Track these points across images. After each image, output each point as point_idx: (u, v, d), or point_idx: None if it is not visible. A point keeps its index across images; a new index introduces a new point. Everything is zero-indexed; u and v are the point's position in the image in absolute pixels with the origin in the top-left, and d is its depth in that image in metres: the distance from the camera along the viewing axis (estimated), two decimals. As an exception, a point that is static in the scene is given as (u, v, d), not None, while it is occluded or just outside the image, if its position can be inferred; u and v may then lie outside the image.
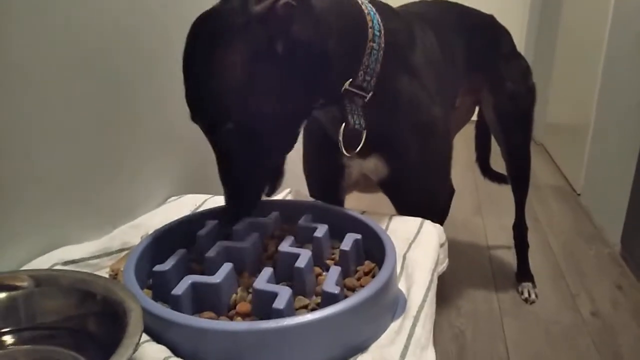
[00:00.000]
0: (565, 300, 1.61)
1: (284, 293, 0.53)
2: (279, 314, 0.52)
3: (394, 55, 0.78)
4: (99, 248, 0.74)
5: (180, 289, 0.55)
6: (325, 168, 0.76)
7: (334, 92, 0.74)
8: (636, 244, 1.77)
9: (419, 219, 0.84)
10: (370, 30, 0.75)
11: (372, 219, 0.73)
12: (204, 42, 0.65)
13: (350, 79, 0.73)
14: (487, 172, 1.74)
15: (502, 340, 1.42)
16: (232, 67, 0.63)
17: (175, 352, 0.50)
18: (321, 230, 0.67)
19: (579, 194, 2.47)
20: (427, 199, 0.93)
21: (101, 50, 0.78)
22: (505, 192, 1.61)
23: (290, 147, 0.72)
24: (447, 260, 0.82)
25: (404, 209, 0.90)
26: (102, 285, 0.52)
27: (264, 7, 0.62)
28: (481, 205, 2.36)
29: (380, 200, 0.94)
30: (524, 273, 1.68)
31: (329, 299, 0.55)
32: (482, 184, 1.84)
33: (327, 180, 0.77)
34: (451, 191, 1.92)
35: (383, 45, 0.76)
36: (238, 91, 0.63)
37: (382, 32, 0.76)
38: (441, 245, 0.80)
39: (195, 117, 0.68)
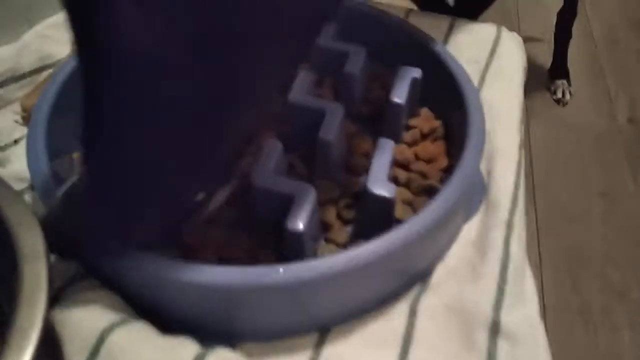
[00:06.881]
0: (601, 103, 1.41)
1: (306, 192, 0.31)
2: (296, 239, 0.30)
3: None
4: (3, 67, 0.47)
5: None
6: None
7: None
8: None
9: (492, 26, 0.55)
10: None
11: (426, 33, 0.45)
12: None
13: None
14: None
15: (526, 144, 1.26)
16: None
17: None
18: (356, 62, 0.41)
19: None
20: None
21: None
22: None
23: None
24: None
25: None
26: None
27: None
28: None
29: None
30: (559, 68, 1.44)
31: (376, 204, 0.33)
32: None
33: None
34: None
35: None
36: None
37: None
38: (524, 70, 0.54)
39: None
